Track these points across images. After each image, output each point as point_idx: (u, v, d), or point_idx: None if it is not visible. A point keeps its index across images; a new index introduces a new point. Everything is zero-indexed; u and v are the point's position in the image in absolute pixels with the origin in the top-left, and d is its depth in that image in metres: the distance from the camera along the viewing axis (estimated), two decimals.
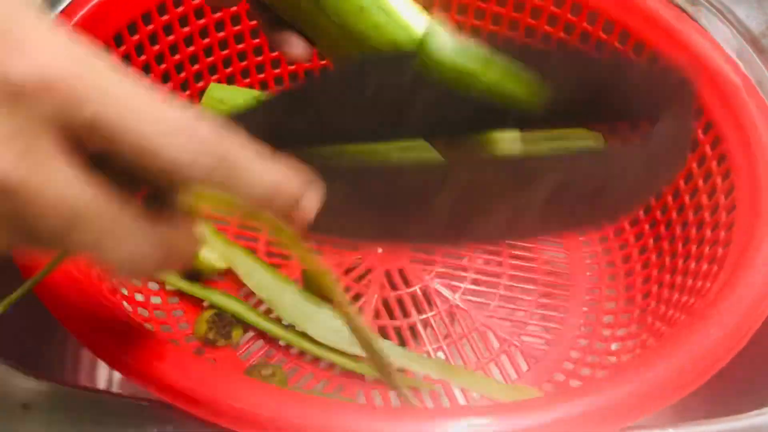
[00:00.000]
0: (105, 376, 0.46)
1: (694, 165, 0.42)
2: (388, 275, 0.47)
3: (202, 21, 0.47)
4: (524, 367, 0.44)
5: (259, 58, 0.51)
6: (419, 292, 0.46)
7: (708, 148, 0.41)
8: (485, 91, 0.21)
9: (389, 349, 0.43)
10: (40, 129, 0.17)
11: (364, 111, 0.24)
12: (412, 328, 0.45)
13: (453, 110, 0.22)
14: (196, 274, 0.44)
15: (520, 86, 0.21)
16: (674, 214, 0.43)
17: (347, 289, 0.46)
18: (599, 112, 0.22)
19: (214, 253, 0.44)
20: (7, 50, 0.16)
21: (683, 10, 0.45)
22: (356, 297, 0.46)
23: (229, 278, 0.45)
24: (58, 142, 0.17)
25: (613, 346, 0.43)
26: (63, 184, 0.17)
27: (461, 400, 0.42)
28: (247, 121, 0.22)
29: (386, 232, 0.24)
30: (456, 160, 0.22)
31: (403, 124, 0.24)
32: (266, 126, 0.22)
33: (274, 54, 0.52)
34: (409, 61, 0.21)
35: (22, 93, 0.16)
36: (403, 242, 0.23)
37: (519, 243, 0.49)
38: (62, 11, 0.40)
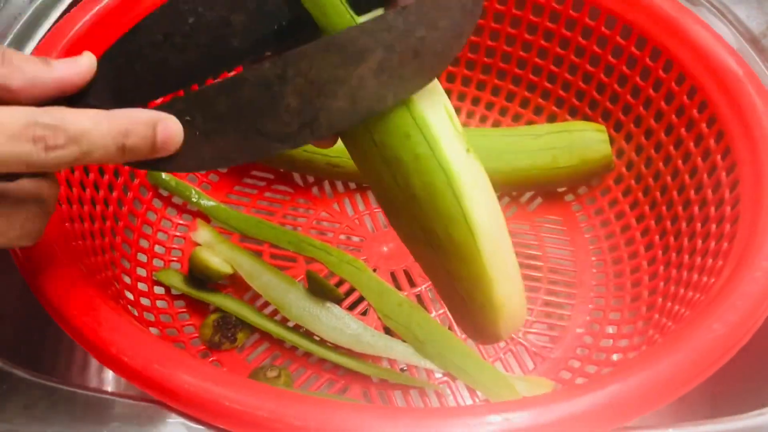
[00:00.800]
0: (105, 377, 0.46)
1: (699, 159, 0.41)
2: (393, 276, 0.47)
3: None
4: (530, 365, 0.44)
5: None
6: (424, 292, 0.46)
7: (712, 142, 0.40)
8: None
9: (398, 347, 0.43)
10: None
11: (191, 46, 0.26)
12: None
13: (271, 19, 0.26)
14: (202, 280, 0.45)
15: None
16: (680, 209, 0.43)
17: (351, 290, 0.46)
18: None
19: (219, 258, 0.44)
20: None
21: None
22: (360, 298, 0.46)
23: (234, 282, 0.45)
24: None
25: (620, 343, 0.43)
26: None
27: (468, 400, 0.42)
28: (89, 87, 0.25)
29: (247, 148, 0.26)
30: (284, 56, 0.25)
31: (231, 46, 0.26)
32: (107, 88, 0.25)
33: None
34: None
35: None
36: (264, 153, 0.26)
37: (523, 242, 0.49)
38: (65, 17, 0.41)
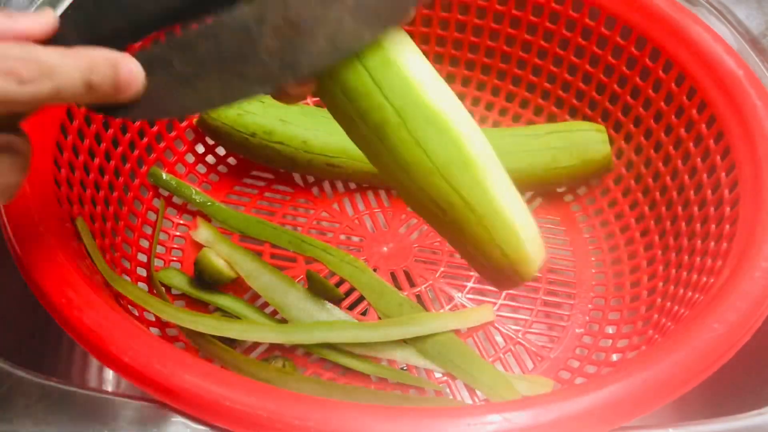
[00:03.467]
0: (105, 377, 0.47)
1: (698, 160, 0.41)
2: (393, 275, 0.47)
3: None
4: (530, 365, 0.44)
5: None
6: (424, 292, 0.46)
7: (711, 142, 0.40)
8: None
9: (398, 347, 0.43)
10: None
11: None
12: None
13: None
14: (205, 280, 0.45)
15: None
16: (679, 209, 0.43)
17: (351, 290, 0.46)
18: None
19: (222, 261, 0.44)
20: None
21: None
22: (361, 298, 0.46)
23: (234, 282, 0.45)
24: None
25: (619, 344, 0.43)
26: None
27: (468, 400, 0.42)
28: (56, 40, 0.25)
29: (228, 91, 0.26)
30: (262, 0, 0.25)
31: None
32: (82, 30, 0.25)
33: None
34: None
35: None
36: (245, 95, 0.26)
37: None
38: None
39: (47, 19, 0.25)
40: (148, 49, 0.26)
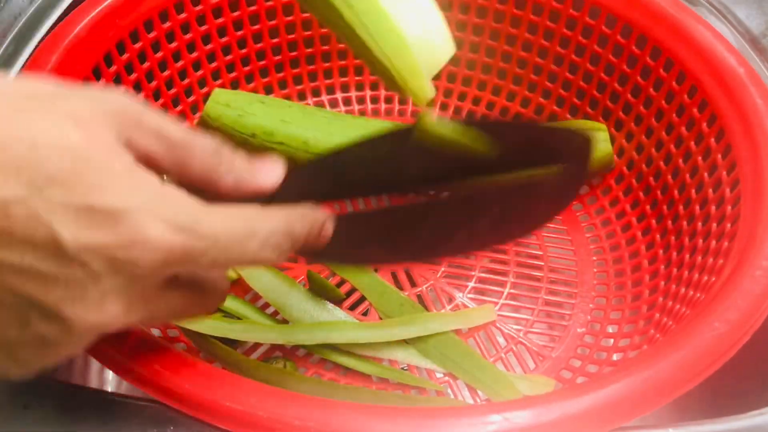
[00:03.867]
0: (106, 377, 0.47)
1: (700, 158, 0.41)
2: (395, 276, 0.47)
3: (204, 27, 0.47)
4: (531, 364, 0.44)
5: (263, 62, 0.52)
6: (425, 292, 0.46)
7: (713, 141, 0.40)
8: (460, 150, 0.27)
9: (399, 347, 0.43)
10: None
11: (375, 174, 0.30)
12: None
13: (440, 166, 0.29)
14: None
15: (482, 146, 0.27)
16: (681, 208, 0.43)
17: (352, 291, 0.46)
18: (529, 161, 0.29)
19: None
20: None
21: None
22: (362, 297, 0.46)
23: (235, 282, 0.45)
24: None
25: (621, 343, 0.43)
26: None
27: (469, 399, 0.42)
28: (289, 186, 0.28)
29: (386, 257, 0.32)
30: (431, 200, 0.30)
31: (404, 181, 0.30)
32: (301, 188, 0.28)
33: (278, 57, 0.52)
34: (408, 134, 0.28)
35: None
36: (397, 262, 0.33)
37: (525, 241, 0.49)
38: (62, 19, 0.41)
39: (278, 176, 0.27)
40: (353, 213, 0.30)
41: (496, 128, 0.28)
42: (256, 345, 0.44)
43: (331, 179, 0.30)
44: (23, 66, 0.42)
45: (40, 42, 0.44)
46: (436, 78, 0.39)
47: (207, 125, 0.49)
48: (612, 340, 0.44)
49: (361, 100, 0.55)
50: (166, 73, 0.47)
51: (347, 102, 0.55)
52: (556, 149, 0.29)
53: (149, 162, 0.23)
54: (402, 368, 0.43)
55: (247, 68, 0.51)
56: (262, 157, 0.27)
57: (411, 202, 0.29)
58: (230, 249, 0.22)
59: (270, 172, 0.27)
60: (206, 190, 0.25)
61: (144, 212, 0.21)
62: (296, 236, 0.25)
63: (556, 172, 0.28)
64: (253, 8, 0.49)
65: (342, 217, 0.28)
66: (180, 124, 0.24)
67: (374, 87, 0.55)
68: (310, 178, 0.29)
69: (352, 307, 0.45)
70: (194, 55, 0.48)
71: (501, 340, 0.45)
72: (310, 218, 0.26)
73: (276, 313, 0.44)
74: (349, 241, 0.29)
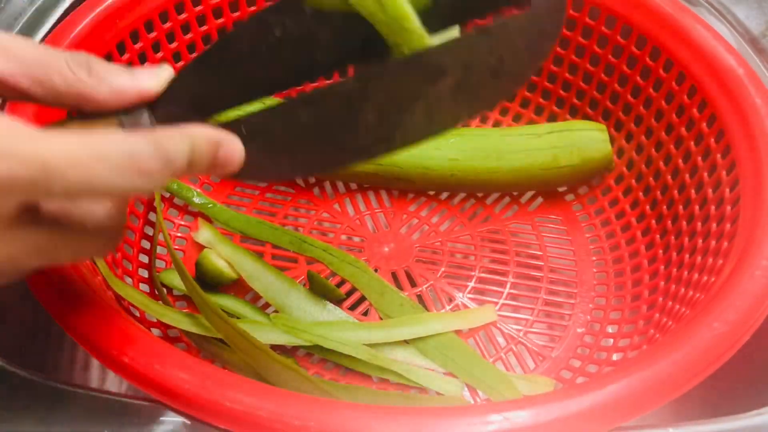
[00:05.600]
0: (107, 377, 0.47)
1: (699, 158, 0.41)
2: (395, 276, 0.47)
3: (204, 27, 0.47)
4: (531, 364, 0.44)
5: None
6: (425, 292, 0.46)
7: (712, 141, 0.40)
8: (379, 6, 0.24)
9: (400, 348, 0.43)
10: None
11: (276, 58, 0.27)
12: None
13: (354, 35, 0.26)
14: (206, 283, 0.45)
15: None
16: (680, 208, 0.43)
17: (353, 291, 0.46)
18: (483, 4, 0.26)
19: (224, 262, 0.45)
20: None
21: None
22: (362, 298, 0.46)
23: (235, 282, 0.45)
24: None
25: (621, 343, 0.43)
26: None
27: (469, 399, 0.42)
28: (171, 94, 0.25)
29: (323, 160, 0.27)
30: (366, 72, 0.25)
31: (314, 60, 0.27)
32: (188, 95, 0.25)
33: None
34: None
35: None
36: (339, 165, 0.27)
37: (525, 241, 0.49)
38: (63, 21, 0.41)
39: (164, 78, 0.26)
40: (251, 116, 0.26)
41: None
42: None
43: (224, 76, 0.27)
44: None
45: (40, 42, 0.44)
46: None
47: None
48: (612, 340, 0.44)
49: None
50: None
51: None
52: None
53: (3, 85, 0.22)
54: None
55: None
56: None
57: (338, 83, 0.25)
58: (68, 174, 0.20)
59: (152, 75, 0.26)
60: (84, 108, 0.24)
61: None
62: (173, 159, 0.23)
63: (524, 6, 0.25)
64: (253, 8, 0.49)
65: (252, 121, 0.26)
66: (34, 41, 0.23)
67: None
68: (199, 78, 0.26)
69: (352, 307, 0.45)
70: (194, 55, 0.48)
71: (501, 340, 0.45)
72: (195, 138, 0.24)
73: (276, 313, 0.44)
74: (269, 151, 0.26)
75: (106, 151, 0.21)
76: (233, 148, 0.25)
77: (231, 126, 0.26)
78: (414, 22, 0.25)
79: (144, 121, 0.26)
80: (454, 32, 0.26)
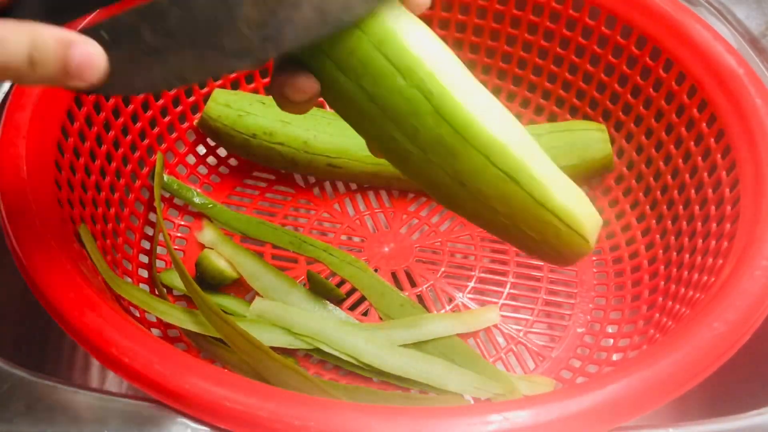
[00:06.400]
0: (107, 377, 0.47)
1: (699, 158, 0.41)
2: (395, 276, 0.47)
3: None
4: (531, 364, 0.44)
5: None
6: (425, 292, 0.46)
7: (712, 141, 0.40)
8: None
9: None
10: None
11: None
12: None
13: None
14: (206, 283, 0.45)
15: None
16: (680, 208, 0.43)
17: (353, 291, 0.46)
18: None
19: (224, 262, 0.45)
20: None
21: None
22: (362, 298, 0.46)
23: (236, 282, 0.45)
24: None
25: (621, 343, 0.43)
26: None
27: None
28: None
29: (202, 66, 0.24)
30: None
31: None
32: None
33: None
34: None
35: None
36: (222, 70, 0.24)
37: None
38: None
39: None
40: (114, 19, 0.23)
41: None
42: None
43: None
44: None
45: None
46: None
47: (207, 125, 0.49)
48: (612, 340, 0.44)
49: None
50: None
51: None
52: None
53: None
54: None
55: None
56: None
57: None
58: None
59: None
60: None
61: None
62: (7, 52, 0.21)
63: None
64: None
65: (114, 24, 0.23)
66: None
67: None
68: None
69: (352, 307, 0.45)
70: None
71: (501, 340, 0.45)
72: (36, 35, 0.22)
73: None
74: (139, 58, 0.24)
75: None
76: (89, 50, 0.23)
77: (89, 32, 0.23)
78: None
79: None
80: None
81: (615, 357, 0.43)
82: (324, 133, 0.48)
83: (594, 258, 0.48)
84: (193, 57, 0.24)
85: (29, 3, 0.24)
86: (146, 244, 0.46)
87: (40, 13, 0.24)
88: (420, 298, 0.46)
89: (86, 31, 0.23)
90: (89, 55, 0.23)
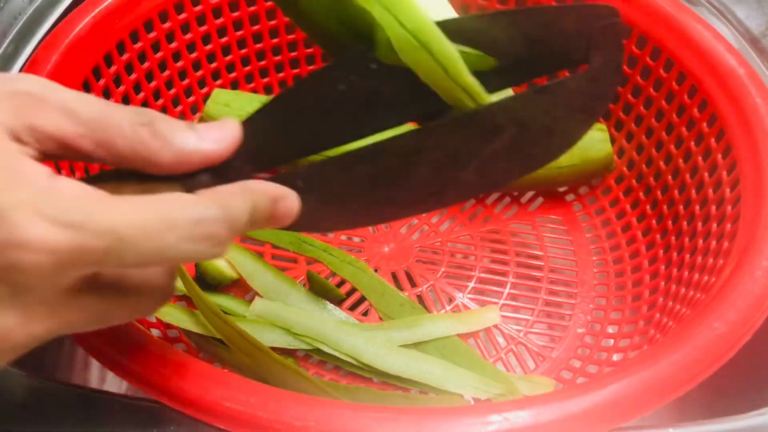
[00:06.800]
0: (106, 377, 0.47)
1: (700, 158, 0.41)
2: (395, 276, 0.47)
3: (204, 27, 0.47)
4: (532, 364, 0.44)
5: (263, 62, 0.52)
6: (425, 292, 0.46)
7: (713, 141, 0.40)
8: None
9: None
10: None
11: (341, 110, 0.26)
12: None
13: (417, 92, 0.25)
14: (206, 283, 0.45)
15: (470, 60, 0.24)
16: (681, 208, 0.43)
17: (353, 291, 0.46)
18: (542, 64, 0.25)
19: (224, 262, 0.45)
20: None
21: None
22: (362, 298, 0.46)
23: (235, 283, 0.45)
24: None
25: (621, 343, 0.43)
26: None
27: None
28: (242, 148, 0.24)
29: (374, 214, 0.27)
30: (423, 127, 0.25)
31: (377, 115, 0.27)
32: (248, 148, 0.24)
33: (277, 58, 0.52)
34: (371, 53, 0.24)
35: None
36: (389, 219, 0.27)
37: (524, 241, 0.49)
38: (62, 20, 0.41)
39: (230, 141, 0.24)
40: (308, 168, 0.25)
41: (484, 26, 0.24)
42: None
43: (288, 130, 0.26)
44: (23, 67, 0.42)
45: (39, 42, 0.44)
46: None
47: None
48: (612, 341, 0.44)
49: None
50: (166, 73, 0.47)
51: None
52: (571, 36, 0.24)
53: (65, 147, 0.21)
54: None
55: (247, 68, 0.51)
56: (212, 123, 0.24)
57: (395, 138, 0.24)
58: (141, 245, 0.19)
59: (218, 139, 0.24)
60: (146, 170, 0.23)
61: (23, 210, 0.18)
62: (236, 221, 0.22)
63: (581, 67, 0.24)
64: (252, 8, 0.49)
65: (309, 173, 0.25)
66: (98, 98, 0.22)
67: None
68: (259, 131, 0.25)
69: (352, 307, 0.45)
70: (194, 55, 0.48)
71: (501, 340, 0.45)
72: (255, 196, 0.23)
73: None
74: (324, 203, 0.26)
75: (174, 219, 0.20)
76: (291, 202, 0.25)
77: (288, 178, 0.25)
78: (475, 86, 0.25)
79: (203, 177, 0.24)
80: (508, 93, 0.26)
81: (615, 357, 0.43)
82: None
83: (594, 258, 0.48)
84: (370, 205, 0.27)
85: (239, 152, 0.24)
86: None
87: (244, 159, 0.25)
88: (420, 298, 0.46)
89: (285, 177, 0.25)
90: (291, 209, 0.25)
